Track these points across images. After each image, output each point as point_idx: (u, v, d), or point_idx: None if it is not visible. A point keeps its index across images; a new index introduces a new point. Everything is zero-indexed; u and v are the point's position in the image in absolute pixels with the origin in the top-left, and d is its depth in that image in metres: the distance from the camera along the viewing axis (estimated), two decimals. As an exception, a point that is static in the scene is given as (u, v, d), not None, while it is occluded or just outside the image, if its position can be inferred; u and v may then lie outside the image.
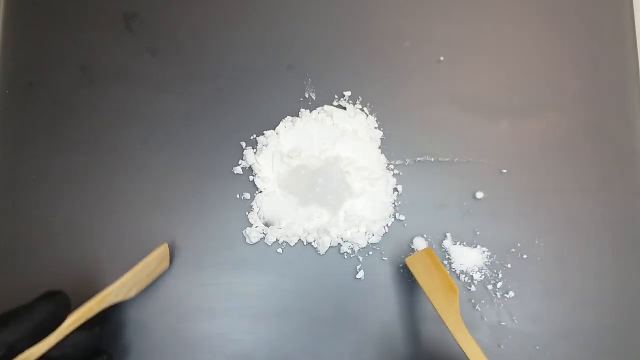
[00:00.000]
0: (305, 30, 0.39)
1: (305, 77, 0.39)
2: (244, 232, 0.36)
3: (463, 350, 0.29)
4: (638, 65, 0.39)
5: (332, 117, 0.37)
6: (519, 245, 0.37)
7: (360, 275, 0.36)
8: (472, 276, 0.36)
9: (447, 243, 0.36)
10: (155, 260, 0.33)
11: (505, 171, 0.38)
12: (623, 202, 0.37)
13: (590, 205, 0.37)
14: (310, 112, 0.38)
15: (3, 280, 0.36)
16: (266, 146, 0.37)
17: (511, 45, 0.39)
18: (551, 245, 0.37)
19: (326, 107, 0.38)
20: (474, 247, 0.36)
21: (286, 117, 0.38)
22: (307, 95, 0.38)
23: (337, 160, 0.36)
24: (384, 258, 0.36)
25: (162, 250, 0.33)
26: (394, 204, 0.37)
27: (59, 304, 0.28)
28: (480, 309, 0.36)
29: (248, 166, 0.37)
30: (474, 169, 0.38)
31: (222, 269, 0.36)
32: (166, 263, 0.34)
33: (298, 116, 0.38)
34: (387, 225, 0.37)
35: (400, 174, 0.37)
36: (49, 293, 0.28)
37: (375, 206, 0.36)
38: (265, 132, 0.38)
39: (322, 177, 0.35)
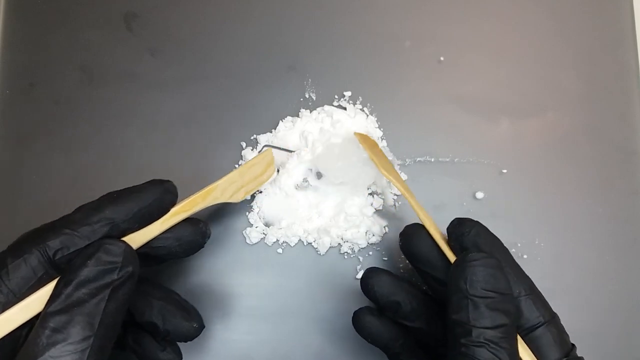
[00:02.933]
0: (305, 30, 0.39)
1: (305, 77, 0.39)
2: (244, 232, 0.36)
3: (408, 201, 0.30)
4: (638, 65, 0.39)
5: (332, 117, 0.37)
6: (519, 245, 0.37)
7: (360, 275, 0.36)
8: (472, 276, 0.36)
9: (447, 243, 0.36)
10: (260, 164, 0.32)
11: (505, 171, 0.38)
12: (623, 202, 0.37)
13: (590, 205, 0.37)
14: (310, 112, 0.38)
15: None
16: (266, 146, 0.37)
17: (511, 45, 0.39)
18: (551, 245, 0.37)
19: (326, 107, 0.38)
20: (474, 247, 0.36)
21: (286, 117, 0.38)
22: (307, 95, 0.38)
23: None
24: (384, 258, 0.36)
25: (267, 154, 0.32)
26: (394, 204, 0.37)
27: (167, 190, 0.27)
28: (480, 309, 0.36)
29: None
30: (474, 169, 0.38)
31: (222, 269, 0.36)
32: (272, 170, 0.33)
33: (298, 116, 0.38)
34: (387, 225, 0.37)
35: (400, 174, 0.37)
36: (158, 180, 0.27)
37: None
38: (265, 132, 0.38)
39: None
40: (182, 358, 0.30)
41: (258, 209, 0.36)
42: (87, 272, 0.22)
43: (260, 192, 0.37)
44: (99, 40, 0.39)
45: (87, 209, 0.25)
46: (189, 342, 0.35)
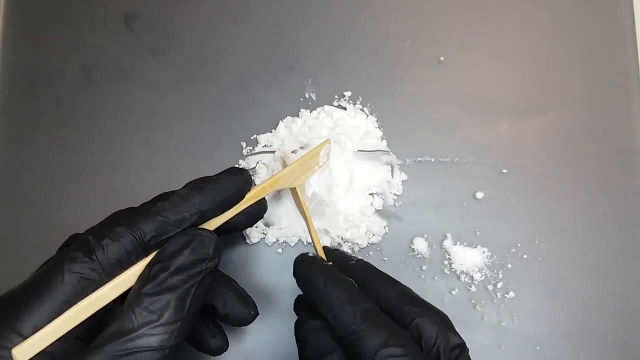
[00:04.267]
0: (305, 30, 0.39)
1: (305, 77, 0.39)
2: (244, 232, 0.36)
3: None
4: (638, 65, 0.39)
5: (332, 117, 0.37)
6: (519, 245, 0.37)
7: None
8: (472, 276, 0.36)
9: (447, 243, 0.36)
10: (319, 154, 0.33)
11: (505, 171, 0.38)
12: (623, 202, 0.37)
13: (590, 205, 0.37)
14: (310, 112, 0.38)
15: (3, 281, 0.36)
16: (266, 146, 0.37)
17: (511, 45, 0.39)
18: (551, 245, 0.37)
19: (326, 107, 0.38)
20: (474, 247, 0.36)
21: (286, 117, 0.38)
22: (307, 95, 0.38)
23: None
24: (384, 258, 0.36)
25: (326, 144, 0.33)
26: (394, 204, 0.37)
27: (246, 181, 0.29)
28: (480, 309, 0.36)
29: (248, 166, 0.37)
30: (474, 169, 0.38)
31: (222, 269, 0.36)
32: (327, 157, 0.34)
33: (298, 116, 0.38)
34: (387, 225, 0.37)
35: (400, 174, 0.37)
36: (236, 168, 0.29)
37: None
38: (265, 132, 0.38)
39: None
40: (228, 346, 0.31)
41: (258, 209, 0.36)
42: (182, 260, 0.24)
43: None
44: (99, 40, 0.39)
45: (177, 198, 0.26)
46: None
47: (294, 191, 0.33)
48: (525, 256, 0.36)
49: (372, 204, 0.36)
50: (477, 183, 0.37)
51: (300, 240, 0.36)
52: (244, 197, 0.29)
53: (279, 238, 0.36)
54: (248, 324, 0.30)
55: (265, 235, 0.36)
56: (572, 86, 0.39)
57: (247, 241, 0.36)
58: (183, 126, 0.38)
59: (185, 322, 0.23)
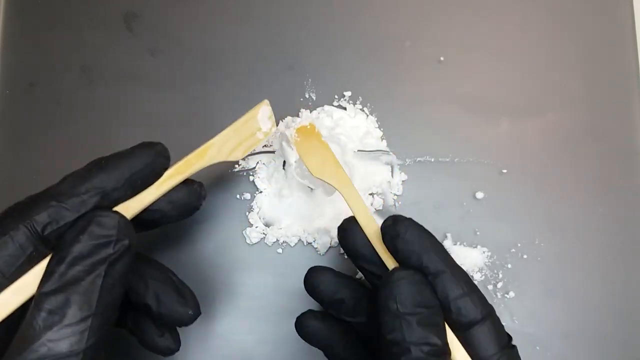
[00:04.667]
0: (305, 30, 0.39)
1: (305, 77, 0.39)
2: (244, 232, 0.36)
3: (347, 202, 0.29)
4: (638, 65, 0.39)
5: (332, 117, 0.37)
6: (519, 245, 0.37)
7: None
8: (472, 276, 0.36)
9: (447, 243, 0.36)
10: (255, 118, 0.30)
11: (505, 171, 0.38)
12: (623, 202, 0.37)
13: (590, 205, 0.37)
14: (310, 112, 0.38)
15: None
16: (266, 146, 0.37)
17: (511, 45, 0.39)
18: (551, 245, 0.37)
19: (326, 107, 0.38)
20: (474, 247, 0.36)
21: (286, 117, 0.38)
22: (307, 95, 0.38)
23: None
24: (384, 258, 0.36)
25: (264, 108, 0.30)
26: (394, 204, 0.37)
27: (159, 153, 0.26)
28: (480, 309, 0.36)
29: (248, 166, 0.37)
30: (474, 169, 0.38)
31: (222, 269, 0.36)
32: (271, 123, 0.31)
33: (298, 116, 0.38)
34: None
35: (400, 174, 0.37)
36: (147, 142, 0.26)
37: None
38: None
39: None
40: (180, 345, 0.28)
41: (258, 209, 0.36)
42: (80, 247, 0.21)
43: (261, 191, 0.37)
44: (99, 40, 0.39)
45: (74, 178, 0.23)
46: (189, 341, 0.35)
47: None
48: (525, 256, 0.36)
49: (372, 204, 0.36)
50: (477, 183, 0.37)
51: (300, 240, 0.36)
52: (159, 174, 0.25)
53: (279, 238, 0.36)
54: (187, 324, 0.27)
55: (265, 235, 0.36)
56: (572, 86, 0.39)
57: (247, 241, 0.36)
58: (183, 126, 0.38)
59: (97, 318, 0.20)
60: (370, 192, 0.37)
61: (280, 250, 0.36)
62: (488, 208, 0.37)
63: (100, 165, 0.24)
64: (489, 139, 0.38)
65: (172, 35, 0.39)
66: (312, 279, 0.28)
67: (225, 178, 0.37)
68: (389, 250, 0.26)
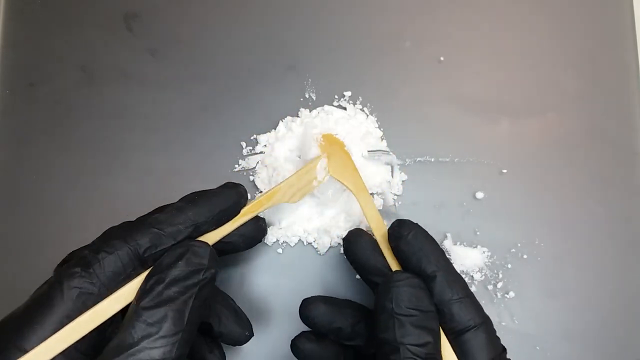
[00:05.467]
0: (305, 30, 0.39)
1: (305, 77, 0.39)
2: (244, 232, 0.36)
3: (362, 209, 0.31)
4: (638, 65, 0.39)
5: (332, 116, 0.37)
6: (519, 245, 0.37)
7: (358, 276, 0.36)
8: (472, 276, 0.36)
9: (447, 243, 0.36)
10: (316, 168, 0.33)
11: (505, 171, 0.38)
12: (623, 202, 0.37)
13: (590, 205, 0.37)
14: (310, 111, 0.38)
15: (3, 281, 0.36)
16: (266, 146, 0.37)
17: (511, 45, 0.39)
18: (551, 245, 0.37)
19: (326, 107, 0.38)
20: (474, 247, 0.36)
21: (286, 117, 0.38)
22: (307, 95, 0.38)
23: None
24: (384, 258, 0.36)
25: (323, 159, 0.33)
26: (394, 204, 0.37)
27: (241, 195, 0.29)
28: (480, 309, 0.36)
29: (248, 166, 0.37)
30: (474, 169, 0.38)
31: (222, 269, 0.36)
32: (325, 173, 0.33)
33: (298, 116, 0.38)
34: (387, 225, 0.37)
35: (400, 174, 0.37)
36: (232, 183, 0.30)
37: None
38: (265, 132, 0.38)
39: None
40: None
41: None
42: (177, 271, 0.24)
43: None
44: (99, 40, 0.39)
45: (172, 210, 0.27)
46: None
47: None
48: (525, 256, 0.36)
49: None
50: (477, 183, 0.37)
51: (300, 240, 0.36)
52: (239, 211, 0.29)
53: (279, 238, 0.36)
54: (242, 344, 0.30)
55: (265, 235, 0.36)
56: (572, 86, 0.39)
57: (247, 241, 0.36)
58: (183, 126, 0.38)
59: (186, 333, 0.23)
60: (370, 192, 0.37)
61: (280, 250, 0.36)
62: (488, 208, 0.37)
63: (194, 200, 0.28)
64: (489, 139, 0.38)
65: (172, 35, 0.39)
66: (307, 312, 0.29)
67: (226, 178, 0.37)
68: (393, 252, 0.28)
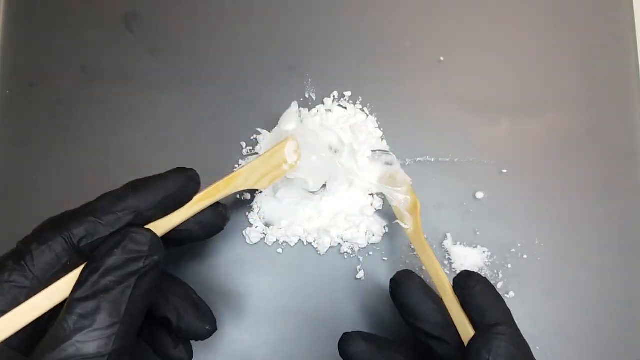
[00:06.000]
0: (305, 30, 0.39)
1: (305, 77, 0.39)
2: (244, 232, 0.36)
3: (425, 266, 0.31)
4: (638, 65, 0.39)
5: (332, 113, 0.37)
6: (519, 245, 0.37)
7: (360, 275, 0.36)
8: (472, 276, 0.36)
9: (447, 243, 0.36)
10: (282, 151, 0.31)
11: (505, 171, 0.38)
12: (623, 202, 0.37)
13: (590, 205, 0.37)
14: (309, 110, 0.38)
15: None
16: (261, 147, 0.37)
17: (511, 45, 0.39)
18: (551, 245, 0.37)
19: (325, 100, 0.38)
20: (474, 247, 0.36)
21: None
22: (307, 95, 0.38)
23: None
24: (384, 258, 0.36)
25: (291, 141, 0.32)
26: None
27: (190, 178, 0.28)
28: (480, 309, 0.36)
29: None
30: (474, 169, 0.38)
31: (222, 269, 0.36)
32: (297, 157, 0.32)
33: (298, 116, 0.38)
34: (387, 225, 0.37)
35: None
36: (180, 168, 0.28)
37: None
38: (265, 132, 0.38)
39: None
40: (192, 357, 0.30)
41: (258, 209, 0.36)
42: (113, 260, 0.23)
43: (261, 192, 0.37)
44: (99, 40, 0.39)
45: (111, 197, 0.25)
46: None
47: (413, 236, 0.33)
48: (525, 256, 0.36)
49: (372, 204, 0.36)
50: (477, 183, 0.37)
51: (300, 240, 0.36)
52: (189, 197, 0.27)
53: (279, 238, 0.36)
54: (204, 339, 0.29)
55: (265, 235, 0.36)
56: (572, 86, 0.39)
57: (247, 241, 0.36)
58: (183, 126, 0.38)
59: (124, 325, 0.22)
60: (370, 192, 0.37)
61: (280, 250, 0.36)
62: (488, 208, 0.37)
63: (135, 186, 0.26)
64: (489, 139, 0.38)
65: (172, 35, 0.39)
66: (346, 347, 0.29)
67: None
68: (461, 302, 0.28)
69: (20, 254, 0.23)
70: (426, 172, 0.37)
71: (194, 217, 0.28)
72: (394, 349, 0.29)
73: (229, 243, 0.36)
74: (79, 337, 0.21)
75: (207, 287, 0.36)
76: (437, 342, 0.27)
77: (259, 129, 0.38)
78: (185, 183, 0.27)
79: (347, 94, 0.38)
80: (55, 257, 0.23)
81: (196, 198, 0.28)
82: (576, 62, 0.39)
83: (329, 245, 0.36)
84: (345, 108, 0.38)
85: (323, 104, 0.38)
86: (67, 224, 0.24)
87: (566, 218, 0.37)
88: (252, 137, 0.38)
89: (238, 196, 0.37)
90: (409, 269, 0.35)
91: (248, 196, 0.37)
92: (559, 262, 0.36)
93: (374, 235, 0.36)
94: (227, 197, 0.37)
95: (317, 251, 0.36)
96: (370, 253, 0.36)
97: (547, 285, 0.36)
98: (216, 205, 0.29)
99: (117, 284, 0.22)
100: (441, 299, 0.29)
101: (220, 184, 0.29)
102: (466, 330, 0.27)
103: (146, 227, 0.25)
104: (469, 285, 0.27)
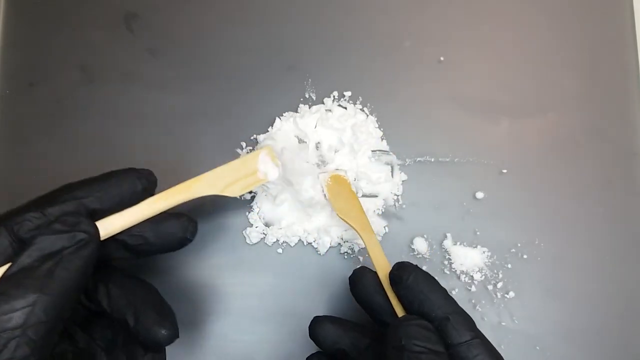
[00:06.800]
0: (305, 30, 0.39)
1: (305, 77, 0.39)
2: (244, 232, 0.36)
3: (367, 249, 0.31)
4: (638, 65, 0.39)
5: (332, 112, 0.37)
6: (519, 245, 0.37)
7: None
8: (472, 276, 0.36)
9: (447, 243, 0.36)
10: (255, 159, 0.31)
11: (505, 171, 0.38)
12: (623, 202, 0.37)
13: (590, 205, 0.37)
14: (309, 107, 0.38)
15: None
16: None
17: (511, 45, 0.39)
18: (551, 245, 0.37)
19: (325, 100, 0.38)
20: (474, 247, 0.36)
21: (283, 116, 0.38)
22: (307, 95, 0.39)
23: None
24: (384, 258, 0.36)
25: (268, 151, 0.32)
26: (394, 204, 0.37)
27: (141, 175, 0.27)
28: (480, 309, 0.36)
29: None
30: (474, 169, 0.38)
31: (222, 269, 0.36)
32: (275, 166, 0.32)
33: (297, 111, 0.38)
34: (387, 225, 0.37)
35: (400, 174, 0.37)
36: (133, 168, 0.28)
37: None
38: (265, 132, 0.38)
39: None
40: None
41: (258, 209, 0.36)
42: (39, 240, 0.23)
43: (254, 193, 0.37)
44: (99, 40, 0.39)
45: (58, 190, 0.26)
46: (188, 342, 0.35)
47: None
48: (525, 256, 0.36)
49: (372, 205, 0.36)
50: (477, 183, 0.37)
51: (300, 240, 0.36)
52: (139, 195, 0.27)
53: (279, 238, 0.36)
54: (161, 345, 0.26)
55: (265, 235, 0.36)
56: (572, 86, 0.39)
57: (247, 241, 0.36)
58: (183, 126, 0.38)
59: (46, 302, 0.22)
60: (370, 193, 0.36)
61: (280, 250, 0.36)
62: (488, 208, 0.37)
63: (84, 180, 0.26)
64: (489, 139, 0.38)
65: (172, 35, 0.39)
66: (313, 330, 0.29)
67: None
68: (396, 295, 0.28)
69: None
70: (426, 172, 0.37)
71: (152, 223, 0.27)
72: (362, 332, 0.29)
73: (229, 243, 0.36)
74: None
75: (207, 287, 0.36)
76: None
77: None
78: (134, 179, 0.27)
79: (347, 94, 0.38)
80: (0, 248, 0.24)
81: (151, 199, 0.27)
82: (576, 62, 0.39)
83: (329, 245, 0.36)
84: (345, 108, 0.38)
85: (323, 103, 0.38)
86: (11, 217, 0.24)
87: (566, 218, 0.37)
88: (252, 137, 0.38)
89: (238, 196, 0.37)
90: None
91: (248, 196, 0.37)
92: (559, 262, 0.36)
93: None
94: (225, 198, 0.37)
95: (317, 251, 0.36)
96: (370, 253, 0.36)
97: (547, 285, 0.36)
98: (180, 215, 0.28)
99: (41, 263, 0.23)
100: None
101: (179, 187, 0.28)
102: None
103: (96, 223, 0.25)
104: (402, 278, 0.27)
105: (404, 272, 0.27)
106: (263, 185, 0.34)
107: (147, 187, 0.27)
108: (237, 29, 0.39)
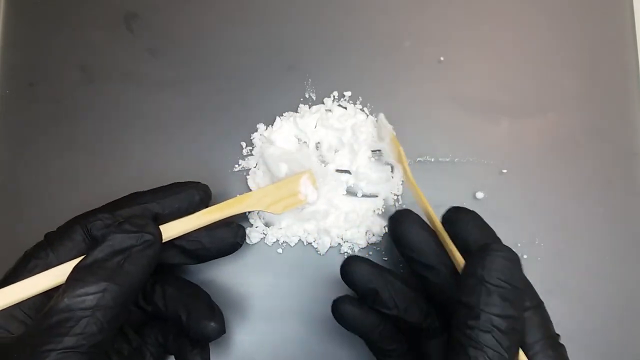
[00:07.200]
0: (305, 30, 0.39)
1: (305, 77, 0.39)
2: (244, 232, 0.36)
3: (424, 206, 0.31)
4: (638, 65, 0.39)
5: (332, 112, 0.37)
6: (519, 245, 0.37)
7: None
8: (472, 276, 0.36)
9: (447, 243, 0.36)
10: (297, 182, 0.34)
11: (505, 171, 0.38)
12: (623, 202, 0.37)
13: (590, 205, 0.37)
14: (310, 107, 0.38)
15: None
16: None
17: (511, 45, 0.39)
18: (551, 245, 0.37)
19: (326, 100, 0.38)
20: (474, 247, 0.36)
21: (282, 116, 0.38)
22: (307, 95, 0.39)
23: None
24: (384, 258, 0.36)
25: (309, 175, 0.34)
26: (394, 204, 0.37)
27: (199, 188, 0.31)
28: (480, 309, 0.36)
29: (248, 166, 0.37)
30: (474, 169, 0.38)
31: (222, 269, 0.36)
32: (314, 190, 0.34)
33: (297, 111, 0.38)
34: (387, 226, 0.37)
35: (400, 174, 0.37)
36: (194, 181, 0.32)
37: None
38: (264, 132, 0.38)
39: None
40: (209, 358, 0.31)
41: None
42: (111, 237, 0.26)
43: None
44: (99, 40, 0.39)
45: (130, 196, 0.30)
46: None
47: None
48: (525, 256, 0.36)
49: (372, 205, 0.36)
50: (477, 183, 0.37)
51: (300, 240, 0.36)
52: (197, 205, 0.30)
53: (279, 238, 0.36)
54: (211, 338, 0.30)
55: (265, 235, 0.36)
56: (572, 86, 0.39)
57: (247, 241, 0.36)
58: (183, 126, 0.38)
59: (115, 291, 0.25)
60: (370, 193, 0.36)
61: (280, 250, 0.36)
62: (488, 208, 0.37)
63: (152, 189, 0.31)
64: (489, 139, 0.38)
65: (172, 35, 0.39)
66: (348, 268, 0.30)
67: (226, 178, 0.37)
68: (451, 236, 0.28)
69: (45, 242, 0.28)
70: (426, 172, 0.37)
71: (207, 230, 0.30)
72: (393, 275, 0.29)
73: (229, 243, 0.36)
74: (71, 293, 0.24)
75: (207, 287, 0.36)
76: (433, 271, 0.28)
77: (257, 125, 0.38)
78: (194, 190, 0.31)
79: (347, 94, 0.38)
80: (74, 243, 0.28)
81: (207, 210, 0.30)
82: (576, 62, 0.39)
83: (329, 245, 0.36)
84: (345, 108, 0.38)
85: (323, 103, 0.38)
86: (86, 218, 0.29)
87: (566, 218, 0.37)
88: (252, 137, 0.38)
89: (238, 196, 0.37)
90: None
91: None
92: (559, 262, 0.36)
93: (373, 235, 0.36)
94: (225, 198, 0.37)
95: (317, 251, 0.36)
96: (370, 253, 0.36)
97: (547, 285, 0.36)
98: (230, 222, 0.31)
99: (112, 257, 0.26)
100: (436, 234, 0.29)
101: (232, 200, 0.31)
102: (459, 263, 0.27)
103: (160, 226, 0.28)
104: (457, 218, 0.28)
105: (459, 214, 0.29)
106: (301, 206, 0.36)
107: (204, 198, 0.31)
108: (237, 29, 0.39)
